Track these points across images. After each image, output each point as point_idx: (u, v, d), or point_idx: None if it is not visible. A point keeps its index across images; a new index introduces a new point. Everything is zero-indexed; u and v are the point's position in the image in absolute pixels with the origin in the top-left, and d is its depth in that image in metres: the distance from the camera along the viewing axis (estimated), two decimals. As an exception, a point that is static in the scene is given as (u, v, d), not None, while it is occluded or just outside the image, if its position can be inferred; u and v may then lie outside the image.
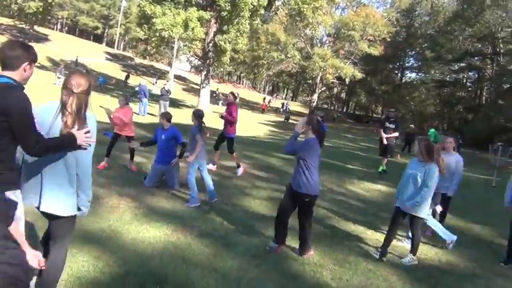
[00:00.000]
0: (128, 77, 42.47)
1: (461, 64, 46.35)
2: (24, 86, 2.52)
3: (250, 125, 26.01)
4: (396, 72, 59.58)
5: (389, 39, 47.63)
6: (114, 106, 9.39)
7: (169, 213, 5.90)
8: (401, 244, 5.84)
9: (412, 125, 26.53)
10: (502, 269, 5.46)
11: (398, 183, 5.43)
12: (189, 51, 38.82)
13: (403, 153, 18.82)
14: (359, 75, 44.70)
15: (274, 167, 11.00)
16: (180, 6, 26.02)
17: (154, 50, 32.18)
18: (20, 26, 55.13)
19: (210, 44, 28.86)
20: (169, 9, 25.36)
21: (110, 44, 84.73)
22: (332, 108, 72.56)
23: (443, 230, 5.92)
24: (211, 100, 33.98)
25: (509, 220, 5.64)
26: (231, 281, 4.00)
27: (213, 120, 12.86)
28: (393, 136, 11.31)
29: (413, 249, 5.18)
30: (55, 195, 2.68)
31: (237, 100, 10.58)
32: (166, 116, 7.52)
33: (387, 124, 11.25)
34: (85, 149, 2.67)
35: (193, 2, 26.60)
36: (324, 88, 55.29)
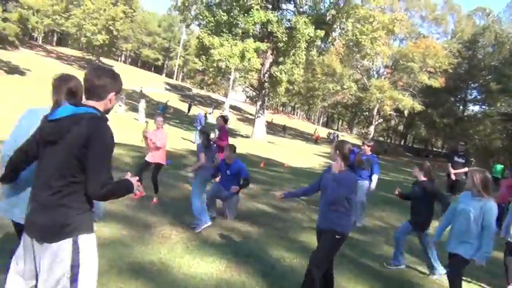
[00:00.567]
0: (190, 106, 43.39)
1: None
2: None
3: (305, 156, 25.51)
4: (458, 104, 57.09)
5: (450, 71, 45.96)
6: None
7: (223, 247, 5.53)
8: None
9: (473, 159, 24.85)
10: None
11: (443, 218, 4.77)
12: (245, 82, 39.37)
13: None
14: (419, 107, 43.28)
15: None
16: (237, 37, 26.52)
17: (211, 80, 32.91)
18: (87, 57, 59.02)
19: (266, 75, 29.07)
20: (227, 40, 25.92)
21: (170, 74, 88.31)
22: (389, 140, 70.52)
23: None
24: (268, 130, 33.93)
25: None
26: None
27: (269, 150, 12.58)
28: (462, 171, 10.39)
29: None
30: None
31: (228, 124, 9.99)
32: (232, 148, 6.99)
33: (456, 158, 10.36)
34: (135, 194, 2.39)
35: (251, 34, 27.00)
36: (381, 120, 53.96)
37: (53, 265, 2.03)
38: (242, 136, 30.70)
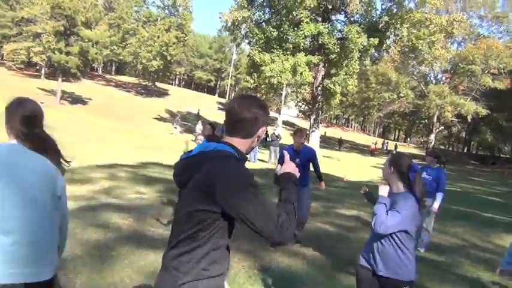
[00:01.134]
0: None
1: None
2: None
3: (363, 169, 24.55)
4: (526, 106, 53.16)
5: (516, 71, 42.97)
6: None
7: (288, 275, 5.08)
8: None
9: None
10: None
11: None
12: (297, 97, 39.06)
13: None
14: (483, 111, 40.74)
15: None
16: (288, 52, 26.31)
17: (264, 97, 32.86)
18: (143, 83, 61.39)
19: (319, 88, 28.57)
20: (278, 56, 25.79)
21: (222, 94, 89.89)
22: (450, 149, 66.99)
23: None
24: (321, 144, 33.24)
25: None
26: None
27: (325, 164, 12.04)
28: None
29: None
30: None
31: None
32: (304, 132, 6.40)
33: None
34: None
35: (301, 47, 26.69)
36: (442, 127, 51.41)
37: None
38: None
